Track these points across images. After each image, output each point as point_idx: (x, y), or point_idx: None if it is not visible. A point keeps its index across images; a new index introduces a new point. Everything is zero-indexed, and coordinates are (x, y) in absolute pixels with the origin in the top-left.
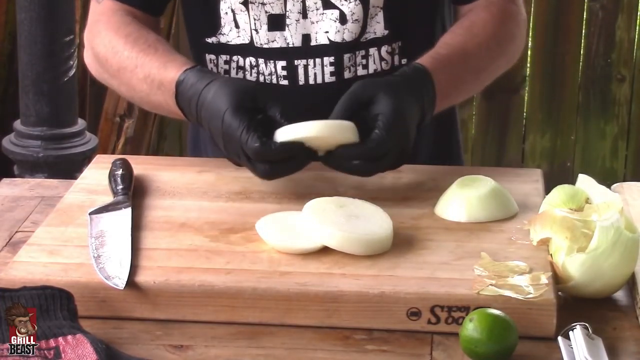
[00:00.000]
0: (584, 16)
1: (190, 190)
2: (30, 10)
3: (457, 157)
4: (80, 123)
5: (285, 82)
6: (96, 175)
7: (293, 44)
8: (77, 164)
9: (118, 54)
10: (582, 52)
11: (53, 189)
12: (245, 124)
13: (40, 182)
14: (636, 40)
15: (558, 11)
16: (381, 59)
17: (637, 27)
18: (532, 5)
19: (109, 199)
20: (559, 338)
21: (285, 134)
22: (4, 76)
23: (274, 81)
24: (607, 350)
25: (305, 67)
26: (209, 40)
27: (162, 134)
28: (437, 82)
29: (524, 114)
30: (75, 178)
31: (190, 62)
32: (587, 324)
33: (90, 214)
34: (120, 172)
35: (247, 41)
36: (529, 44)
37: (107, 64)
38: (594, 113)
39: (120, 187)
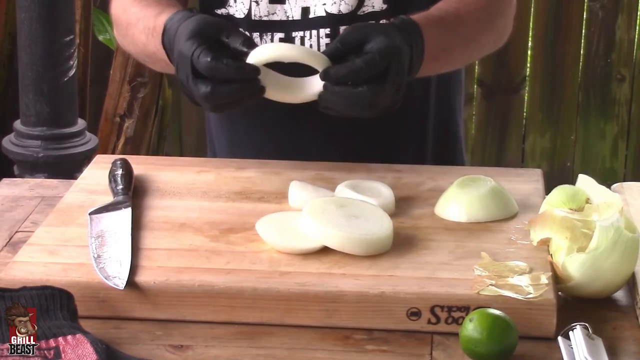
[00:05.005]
0: (584, 16)
1: (190, 190)
2: (30, 10)
3: (460, 155)
4: (80, 123)
5: None
6: (96, 175)
7: (293, 17)
8: (77, 164)
9: (127, 11)
10: (582, 52)
11: (53, 189)
12: (200, 44)
13: (40, 182)
14: (636, 40)
15: (558, 11)
16: None
17: (637, 27)
18: (532, 5)
19: (109, 199)
20: (559, 338)
21: (255, 55)
22: (4, 76)
23: None
24: (607, 350)
25: (302, 38)
26: (219, 11)
27: (162, 134)
28: (427, 40)
29: (524, 114)
30: (75, 178)
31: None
32: (587, 324)
33: (90, 214)
34: (120, 172)
35: (242, 15)
36: (529, 44)
37: (119, 23)
38: (594, 113)
39: (120, 187)
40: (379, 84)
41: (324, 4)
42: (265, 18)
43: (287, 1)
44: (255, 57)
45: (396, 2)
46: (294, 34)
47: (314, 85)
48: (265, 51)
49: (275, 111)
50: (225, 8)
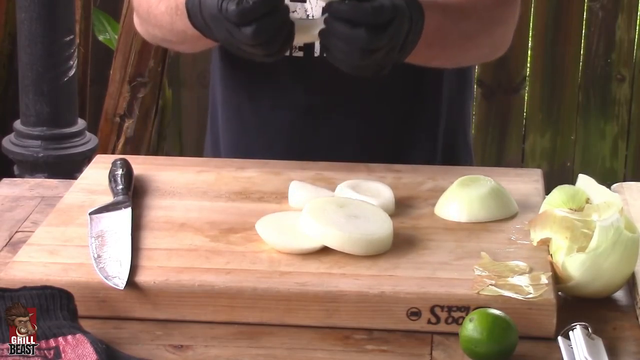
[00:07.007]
0: (584, 16)
1: (190, 190)
2: (30, 10)
3: (466, 158)
4: (80, 123)
5: (300, 54)
6: (96, 175)
7: (313, 15)
8: (77, 164)
9: None
10: (582, 52)
11: (53, 189)
12: None
13: (40, 182)
14: (636, 40)
15: (558, 11)
16: None
17: (637, 27)
18: (532, 5)
19: (109, 199)
20: (559, 338)
21: None
22: (4, 76)
23: (287, 53)
24: (607, 350)
25: None
26: None
27: (162, 134)
28: (426, 23)
29: (524, 114)
30: (75, 178)
31: None
32: (587, 324)
33: (90, 214)
34: (120, 172)
35: None
36: (529, 44)
37: (139, 10)
38: (594, 113)
39: (120, 187)
40: (378, 32)
41: None
42: None
43: (308, 0)
44: None
45: None
46: None
47: (319, 27)
48: None
49: (287, 110)
50: None
